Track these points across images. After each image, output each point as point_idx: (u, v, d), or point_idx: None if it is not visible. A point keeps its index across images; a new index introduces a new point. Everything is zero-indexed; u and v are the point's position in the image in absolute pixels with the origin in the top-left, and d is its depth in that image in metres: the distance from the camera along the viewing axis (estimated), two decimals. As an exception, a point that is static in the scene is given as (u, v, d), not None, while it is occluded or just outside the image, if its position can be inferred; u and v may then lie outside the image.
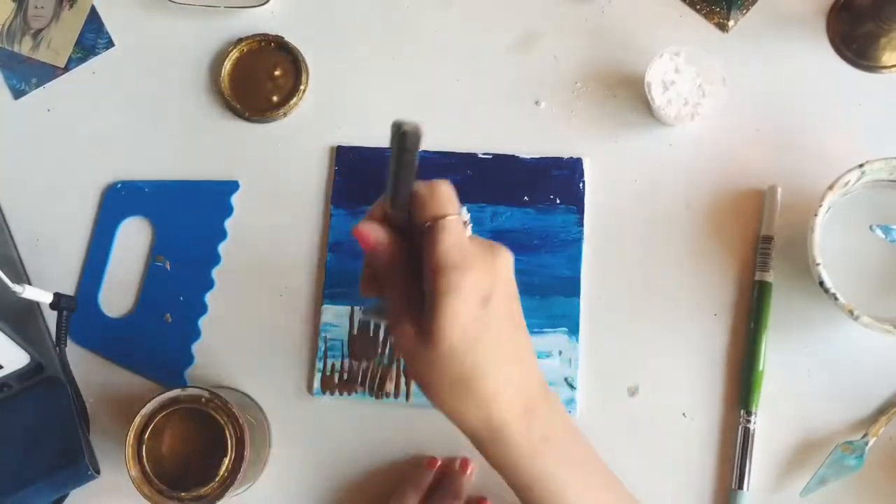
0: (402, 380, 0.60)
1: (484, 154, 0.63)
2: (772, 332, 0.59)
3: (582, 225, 0.62)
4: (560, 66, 0.65)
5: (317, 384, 0.60)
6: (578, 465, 0.47)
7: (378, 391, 0.60)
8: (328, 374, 0.60)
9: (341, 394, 0.60)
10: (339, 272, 0.62)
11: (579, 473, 0.47)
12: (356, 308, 0.61)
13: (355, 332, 0.61)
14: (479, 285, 0.42)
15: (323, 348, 0.61)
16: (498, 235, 0.61)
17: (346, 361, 0.61)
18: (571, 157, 0.63)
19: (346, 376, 0.60)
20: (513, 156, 0.63)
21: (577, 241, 0.61)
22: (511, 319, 0.45)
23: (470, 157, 0.63)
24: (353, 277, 0.62)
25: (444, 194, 0.43)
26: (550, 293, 0.60)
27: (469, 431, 0.45)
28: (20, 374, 0.59)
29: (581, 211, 0.62)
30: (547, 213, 0.62)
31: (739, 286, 0.60)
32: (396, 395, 0.60)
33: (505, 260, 0.45)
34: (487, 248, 0.44)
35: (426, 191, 0.43)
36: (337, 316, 0.61)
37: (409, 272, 0.44)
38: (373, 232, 0.44)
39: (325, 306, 0.61)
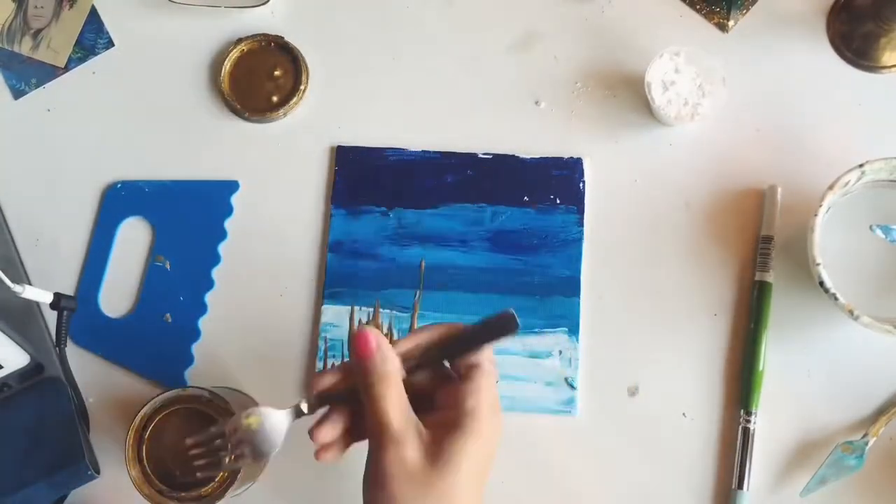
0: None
1: (484, 154, 0.63)
2: (772, 332, 0.59)
3: (582, 225, 0.62)
4: (560, 66, 0.65)
5: (317, 384, 0.60)
6: None
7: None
8: (328, 374, 0.61)
9: (341, 394, 0.60)
10: (339, 272, 0.62)
11: None
12: (356, 307, 0.61)
13: (355, 331, 0.61)
14: (492, 443, 0.44)
15: (323, 348, 0.61)
16: (498, 235, 0.62)
17: (346, 361, 0.61)
18: (571, 157, 0.63)
19: (346, 376, 0.60)
20: (513, 156, 0.63)
21: (577, 241, 0.61)
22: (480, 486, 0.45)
23: (470, 157, 0.63)
24: (354, 277, 0.62)
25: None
26: (550, 293, 0.60)
27: None
28: (20, 374, 0.59)
29: (581, 211, 0.62)
30: (547, 213, 0.62)
31: (739, 286, 0.60)
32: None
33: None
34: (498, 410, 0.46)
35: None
36: (337, 316, 0.61)
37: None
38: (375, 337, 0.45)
39: (325, 306, 0.61)
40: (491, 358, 0.47)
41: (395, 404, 0.43)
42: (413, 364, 0.45)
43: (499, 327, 0.45)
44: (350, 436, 0.46)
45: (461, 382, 0.45)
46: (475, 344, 0.46)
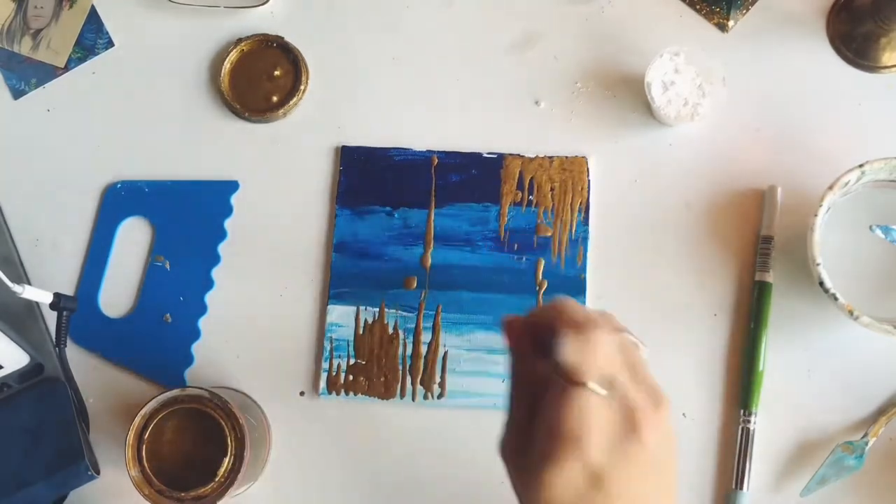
0: (409, 379, 0.60)
1: (489, 154, 0.63)
2: (772, 332, 0.59)
3: (587, 224, 0.61)
4: (560, 66, 0.65)
5: (322, 384, 0.60)
6: None
7: (384, 391, 0.60)
8: (334, 373, 0.60)
9: (347, 394, 0.60)
10: (344, 272, 0.62)
11: None
12: (362, 308, 0.61)
13: (361, 332, 0.61)
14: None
15: (328, 348, 0.61)
16: (503, 235, 0.62)
17: (353, 361, 0.61)
18: (576, 157, 0.63)
19: (351, 377, 0.60)
20: (518, 155, 0.63)
21: (583, 239, 0.61)
22: None
23: (475, 157, 0.63)
24: (359, 277, 0.62)
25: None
26: (553, 293, 0.60)
27: None
28: (20, 374, 0.59)
29: (586, 210, 0.62)
30: (551, 212, 0.62)
31: (739, 286, 0.60)
32: (402, 395, 0.60)
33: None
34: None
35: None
36: (343, 316, 0.61)
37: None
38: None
39: (330, 306, 0.61)
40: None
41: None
42: None
43: None
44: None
45: None
46: None
